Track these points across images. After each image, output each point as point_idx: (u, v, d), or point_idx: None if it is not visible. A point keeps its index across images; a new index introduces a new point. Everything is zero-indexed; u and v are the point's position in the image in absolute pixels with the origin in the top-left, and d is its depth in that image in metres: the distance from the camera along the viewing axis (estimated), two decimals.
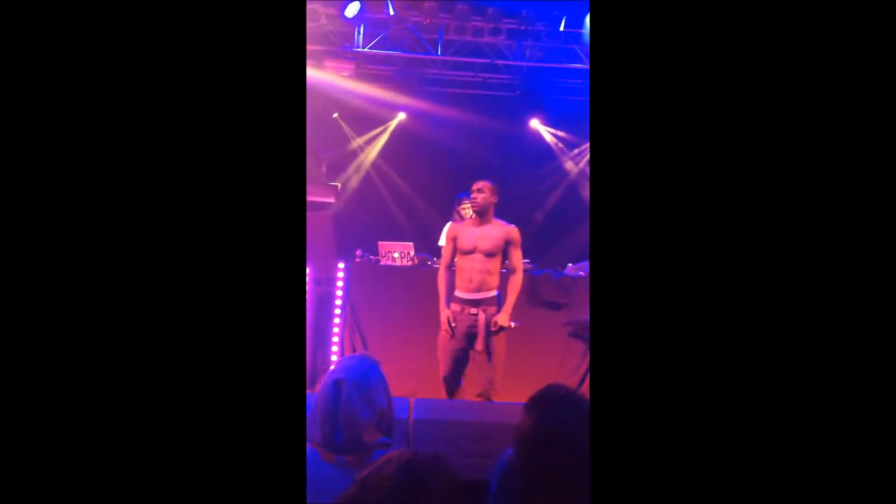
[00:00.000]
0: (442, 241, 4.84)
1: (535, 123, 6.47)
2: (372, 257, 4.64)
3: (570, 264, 4.66)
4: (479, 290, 3.30)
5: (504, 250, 3.34)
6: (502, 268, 3.41)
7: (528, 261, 4.69)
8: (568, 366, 4.31)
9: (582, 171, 6.55)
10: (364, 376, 1.47)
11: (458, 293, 3.35)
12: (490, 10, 5.36)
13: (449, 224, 3.80)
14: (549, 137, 6.52)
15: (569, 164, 6.59)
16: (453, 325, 3.31)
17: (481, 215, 3.34)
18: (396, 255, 4.54)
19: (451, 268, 3.45)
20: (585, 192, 6.48)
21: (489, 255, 3.30)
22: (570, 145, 6.58)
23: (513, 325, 3.31)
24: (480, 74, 6.05)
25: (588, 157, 6.49)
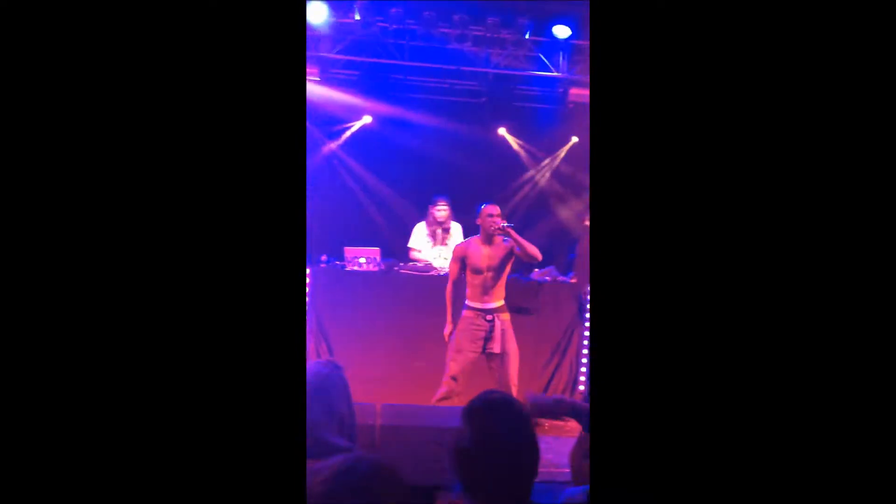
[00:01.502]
0: (413, 243, 4.89)
1: (502, 131, 6.52)
2: (337, 263, 4.59)
3: (536, 269, 4.70)
4: (492, 300, 3.74)
5: (508, 260, 3.78)
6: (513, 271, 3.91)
7: None
8: (535, 368, 4.34)
9: (546, 180, 6.63)
10: (324, 381, 1.46)
11: (470, 303, 3.78)
12: (456, 18, 5.38)
13: (456, 245, 4.15)
14: (514, 145, 6.58)
15: (532, 172, 6.66)
16: (451, 339, 3.77)
17: (490, 237, 3.74)
18: (363, 260, 4.51)
19: (456, 282, 3.85)
20: (550, 201, 6.57)
21: (498, 270, 3.73)
22: (535, 153, 6.65)
23: (505, 224, 3.70)
24: (447, 80, 6.07)
25: (551, 164, 6.59)
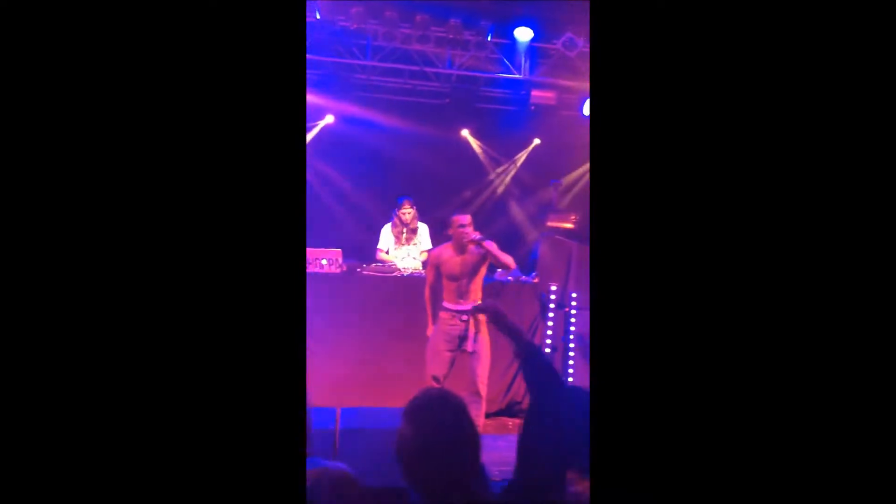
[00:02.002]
0: (381, 244, 4.89)
1: (465, 133, 6.54)
2: None
3: (498, 270, 4.71)
4: (468, 301, 3.82)
5: (482, 265, 3.83)
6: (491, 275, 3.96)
7: None
8: (499, 367, 4.34)
9: (507, 182, 6.68)
10: None
11: (447, 304, 3.83)
12: (418, 18, 5.37)
13: (428, 251, 4.24)
14: (476, 147, 6.60)
15: (493, 175, 6.71)
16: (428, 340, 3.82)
17: (462, 246, 3.77)
18: (325, 261, 4.45)
19: (433, 285, 3.92)
20: (510, 202, 6.62)
21: (472, 275, 3.81)
22: (497, 156, 6.69)
23: (477, 237, 3.72)
24: (410, 81, 6.05)
25: (513, 167, 6.64)
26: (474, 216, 3.87)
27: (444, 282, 3.88)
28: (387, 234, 4.94)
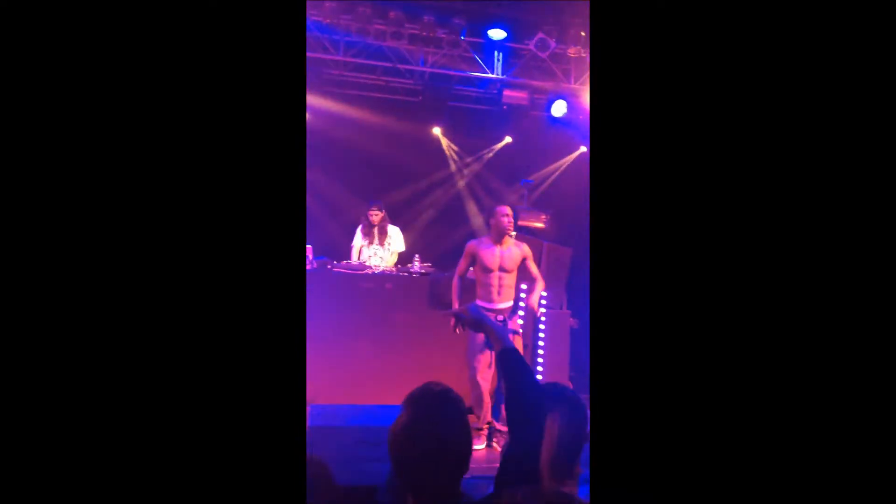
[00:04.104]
0: (357, 242, 4.89)
1: (436, 131, 6.55)
2: None
3: (470, 268, 4.73)
4: (503, 300, 3.80)
5: (518, 260, 3.84)
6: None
7: (429, 264, 4.73)
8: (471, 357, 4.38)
9: (473, 181, 6.73)
10: None
11: (481, 303, 3.79)
12: (392, 15, 5.35)
13: (469, 242, 4.00)
14: (444, 144, 6.63)
15: (460, 176, 6.75)
16: (459, 330, 3.64)
17: (501, 236, 3.79)
18: None
19: (463, 278, 3.89)
20: (476, 201, 6.66)
21: (510, 271, 3.80)
22: (464, 155, 6.73)
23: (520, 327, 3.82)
24: (383, 78, 6.03)
25: (480, 164, 6.67)
26: (440, 212, 3.87)
27: (478, 276, 3.85)
28: (359, 233, 5.05)
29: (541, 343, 4.71)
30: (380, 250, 4.96)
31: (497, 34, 5.60)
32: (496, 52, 5.76)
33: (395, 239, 5.05)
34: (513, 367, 1.50)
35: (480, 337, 3.69)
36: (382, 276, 4.54)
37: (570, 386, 3.19)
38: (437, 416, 1.22)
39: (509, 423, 1.45)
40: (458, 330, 3.63)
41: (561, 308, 4.95)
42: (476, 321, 1.68)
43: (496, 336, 1.60)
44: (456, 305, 3.86)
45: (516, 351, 1.54)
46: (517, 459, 1.37)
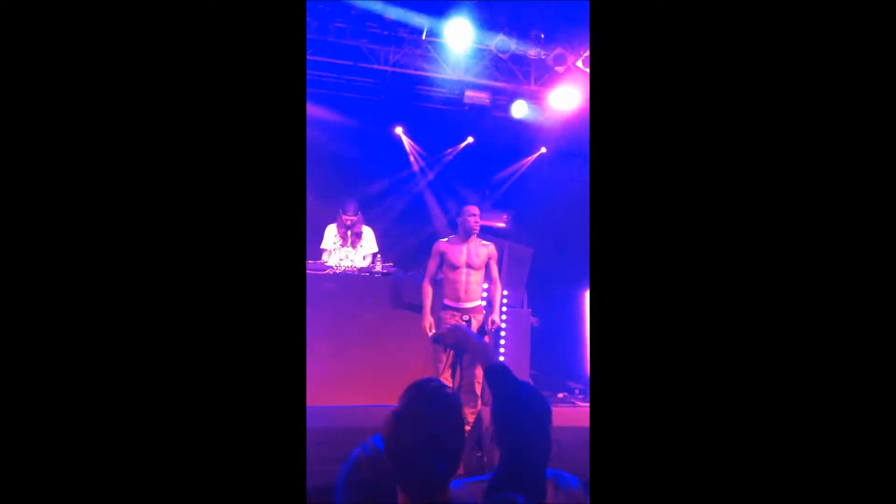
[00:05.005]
0: (323, 244, 4.82)
1: (399, 130, 6.54)
2: None
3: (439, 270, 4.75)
4: (469, 299, 3.82)
5: (484, 259, 3.89)
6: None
7: (391, 264, 4.72)
8: (435, 367, 4.39)
9: (430, 181, 6.75)
10: None
11: (448, 302, 3.83)
12: (353, 13, 5.32)
13: (437, 241, 4.06)
14: (406, 144, 6.63)
15: (422, 176, 6.76)
16: (432, 331, 3.76)
17: (469, 235, 3.86)
18: None
19: (434, 280, 3.91)
20: (430, 201, 6.68)
21: (477, 269, 3.83)
22: (424, 154, 6.74)
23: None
24: (344, 76, 5.99)
25: (440, 165, 6.69)
26: (403, 215, 3.89)
27: (446, 274, 3.89)
28: (329, 234, 4.91)
29: (502, 342, 4.76)
30: (351, 252, 4.85)
31: (459, 34, 5.58)
32: (457, 53, 5.77)
33: (369, 241, 4.95)
34: (501, 382, 1.52)
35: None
36: (345, 276, 4.52)
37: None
38: (428, 411, 1.22)
39: (500, 434, 1.47)
40: (444, 357, 3.57)
41: (522, 307, 5.01)
42: (459, 343, 1.69)
43: (482, 354, 1.61)
44: (427, 310, 3.87)
45: (504, 366, 1.56)
46: (510, 467, 1.38)
